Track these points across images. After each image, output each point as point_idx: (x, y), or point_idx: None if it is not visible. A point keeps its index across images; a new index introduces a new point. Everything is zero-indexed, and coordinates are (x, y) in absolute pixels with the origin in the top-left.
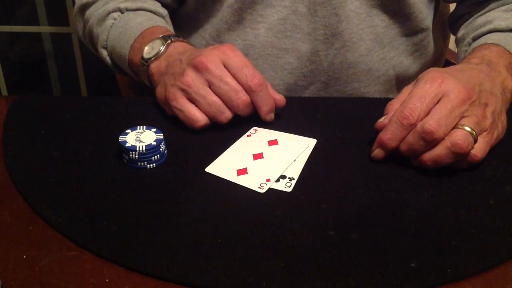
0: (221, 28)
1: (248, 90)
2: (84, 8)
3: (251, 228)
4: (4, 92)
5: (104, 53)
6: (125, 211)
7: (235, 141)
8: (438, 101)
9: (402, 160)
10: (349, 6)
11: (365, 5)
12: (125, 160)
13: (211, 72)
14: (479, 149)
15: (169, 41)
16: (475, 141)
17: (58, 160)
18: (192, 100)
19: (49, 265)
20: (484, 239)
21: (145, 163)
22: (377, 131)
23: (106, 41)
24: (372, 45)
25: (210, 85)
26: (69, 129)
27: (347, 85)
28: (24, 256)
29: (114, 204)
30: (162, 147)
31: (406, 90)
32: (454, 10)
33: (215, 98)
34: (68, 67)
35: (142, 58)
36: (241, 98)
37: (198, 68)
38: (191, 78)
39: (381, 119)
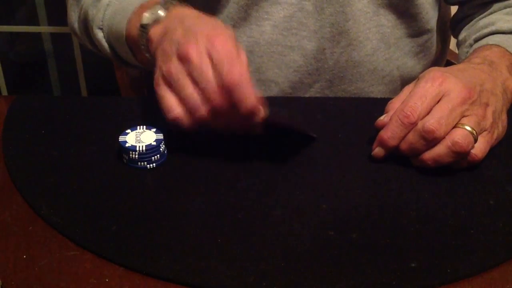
0: (226, 25)
1: (225, 87)
2: None
3: (251, 228)
4: (4, 92)
5: (100, 34)
6: (125, 211)
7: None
8: (439, 100)
9: (402, 160)
10: (357, 4)
11: (372, 4)
12: (125, 160)
13: (193, 63)
14: (480, 149)
15: (170, 5)
16: (476, 140)
17: (58, 160)
18: (172, 89)
19: (49, 265)
20: (484, 239)
21: (145, 163)
22: (377, 130)
23: (102, 21)
24: (378, 45)
25: (190, 75)
26: (69, 129)
27: (352, 84)
28: (24, 256)
29: (114, 204)
30: (162, 147)
31: (407, 89)
32: (456, 12)
33: (190, 91)
34: (68, 67)
35: (141, 25)
36: (216, 99)
37: (181, 58)
38: (174, 67)
39: (381, 117)
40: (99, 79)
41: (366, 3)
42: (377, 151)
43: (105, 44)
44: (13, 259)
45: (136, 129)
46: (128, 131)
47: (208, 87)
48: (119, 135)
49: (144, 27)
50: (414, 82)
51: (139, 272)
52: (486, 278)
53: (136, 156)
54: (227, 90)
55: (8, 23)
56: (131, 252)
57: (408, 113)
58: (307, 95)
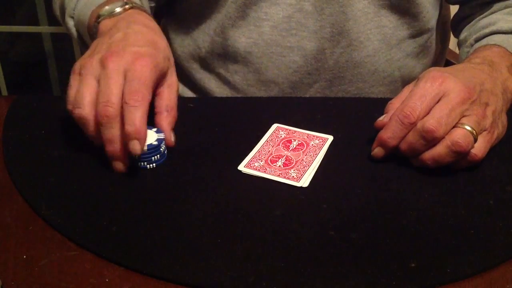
0: (225, 24)
1: (123, 102)
2: None
3: (251, 228)
4: (4, 92)
5: (71, 23)
6: (125, 211)
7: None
8: (439, 100)
9: (402, 160)
10: (357, 5)
11: (373, 5)
12: None
13: (106, 72)
14: (479, 149)
15: (129, 5)
16: (475, 140)
17: (58, 160)
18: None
19: (49, 265)
20: (484, 239)
21: (145, 163)
22: (377, 130)
23: (74, 10)
24: (380, 46)
25: (99, 82)
26: (69, 129)
27: (352, 85)
28: (24, 256)
29: (114, 204)
30: (163, 147)
31: (406, 89)
32: (457, 12)
33: (85, 90)
34: (68, 67)
35: (98, 15)
36: (107, 108)
37: (101, 62)
38: (91, 64)
39: (381, 118)
40: None
41: (366, 4)
42: (377, 151)
43: (75, 33)
44: (13, 259)
45: None
46: None
47: (105, 95)
48: None
49: (98, 17)
50: (414, 82)
51: (139, 272)
52: (486, 278)
53: (137, 156)
54: (123, 105)
55: (8, 23)
56: (131, 252)
57: (408, 113)
58: (307, 95)
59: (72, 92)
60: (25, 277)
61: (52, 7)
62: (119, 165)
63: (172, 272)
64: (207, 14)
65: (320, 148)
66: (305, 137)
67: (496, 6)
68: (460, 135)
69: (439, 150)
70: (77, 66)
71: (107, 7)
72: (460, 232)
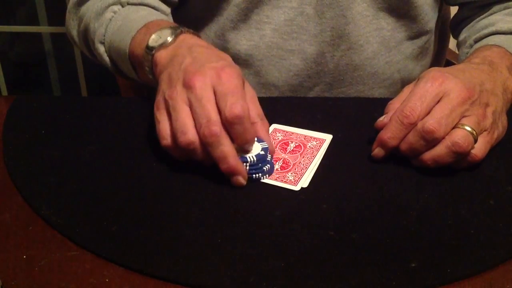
0: (226, 27)
1: (224, 120)
2: (81, 3)
3: (251, 228)
4: (4, 92)
5: (102, 49)
6: (125, 211)
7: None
8: (439, 100)
9: (402, 160)
10: (356, 8)
11: (372, 8)
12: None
13: (195, 93)
14: (479, 149)
15: (179, 31)
16: (475, 140)
17: (58, 160)
18: (169, 115)
19: (49, 265)
20: (484, 239)
21: (259, 174)
22: (377, 130)
23: (104, 36)
24: (379, 48)
25: (190, 106)
26: (69, 129)
27: (352, 87)
28: (24, 256)
29: (114, 204)
30: (269, 156)
31: (407, 90)
32: (456, 13)
33: (183, 116)
34: (68, 67)
35: (147, 46)
36: (210, 127)
37: (186, 86)
38: (176, 92)
39: (381, 118)
40: (99, 79)
41: (366, 7)
42: (377, 151)
43: (107, 58)
44: (13, 259)
45: None
46: None
47: (203, 116)
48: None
49: (150, 49)
50: (414, 82)
51: (139, 272)
52: (486, 278)
53: (247, 167)
54: (228, 123)
55: (8, 23)
56: (131, 252)
57: (408, 113)
58: None
59: (163, 126)
60: (25, 277)
61: (66, 28)
62: (239, 180)
63: (172, 272)
64: (208, 17)
65: (318, 150)
66: (303, 139)
67: (496, 7)
68: (460, 136)
69: (439, 150)
70: (159, 102)
71: (154, 37)
72: (460, 232)
